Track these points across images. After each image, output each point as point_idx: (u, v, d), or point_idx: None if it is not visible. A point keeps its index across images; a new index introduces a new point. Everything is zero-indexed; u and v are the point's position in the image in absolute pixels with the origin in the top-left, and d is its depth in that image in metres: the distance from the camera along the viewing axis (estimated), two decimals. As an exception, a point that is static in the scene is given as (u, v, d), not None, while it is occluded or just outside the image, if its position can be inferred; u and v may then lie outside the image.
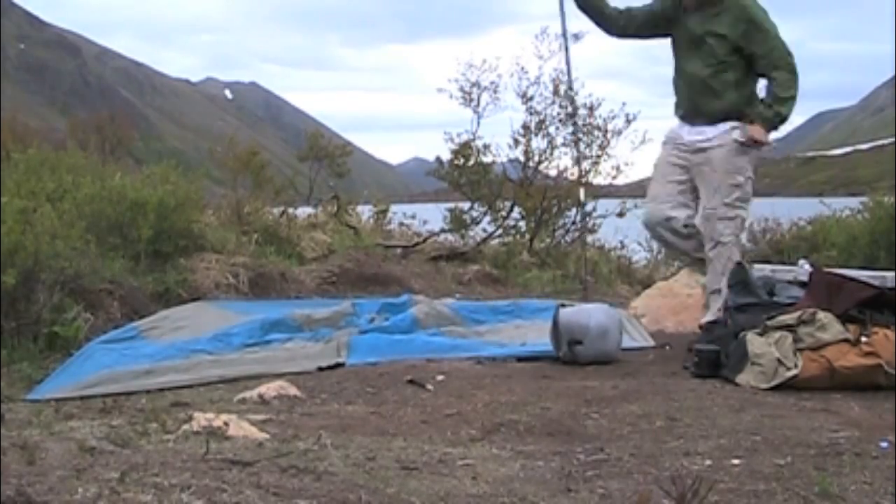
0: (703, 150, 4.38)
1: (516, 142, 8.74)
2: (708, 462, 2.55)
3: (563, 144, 8.66)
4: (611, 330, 4.19)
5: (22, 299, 4.33)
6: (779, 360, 3.57)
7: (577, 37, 8.49)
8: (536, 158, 8.71)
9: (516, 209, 8.81)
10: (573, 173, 8.62)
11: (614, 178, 8.82)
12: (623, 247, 9.07)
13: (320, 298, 5.98)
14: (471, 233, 8.76)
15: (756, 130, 4.31)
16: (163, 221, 5.84)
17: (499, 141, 8.83)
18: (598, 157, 8.66)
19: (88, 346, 4.24)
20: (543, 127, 8.64)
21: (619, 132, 8.60)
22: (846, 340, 3.58)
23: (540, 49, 8.40)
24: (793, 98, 4.36)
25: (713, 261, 4.37)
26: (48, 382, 3.77)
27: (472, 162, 8.75)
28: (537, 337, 4.58)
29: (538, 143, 8.69)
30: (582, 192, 6.67)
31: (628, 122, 8.60)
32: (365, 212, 9.73)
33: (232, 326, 4.71)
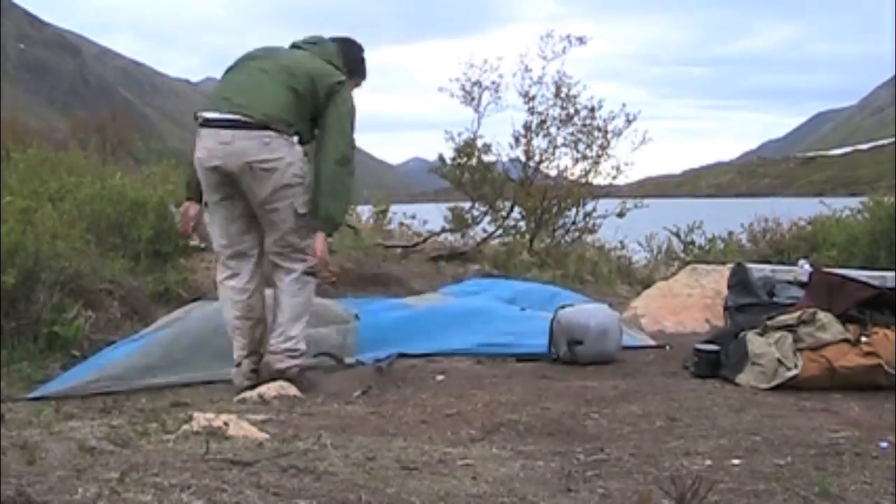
0: None
1: (517, 141, 8.76)
2: (708, 462, 2.55)
3: (564, 144, 8.68)
4: (611, 330, 4.19)
5: (22, 299, 4.32)
6: (779, 360, 3.57)
7: (581, 40, 8.56)
8: (537, 158, 8.73)
9: (516, 209, 8.82)
10: (573, 173, 8.66)
11: (614, 178, 8.84)
12: (623, 247, 9.08)
13: (319, 299, 5.96)
14: (471, 233, 8.77)
15: None
16: (163, 221, 5.83)
17: (499, 140, 8.85)
18: (599, 157, 8.67)
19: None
20: (544, 127, 8.65)
21: (620, 132, 8.62)
22: (846, 340, 3.58)
23: (544, 50, 8.44)
24: None
25: None
26: (50, 384, 3.78)
27: (474, 160, 8.77)
28: None
29: (539, 142, 8.71)
30: None
31: (628, 122, 8.62)
32: (365, 212, 9.73)
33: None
